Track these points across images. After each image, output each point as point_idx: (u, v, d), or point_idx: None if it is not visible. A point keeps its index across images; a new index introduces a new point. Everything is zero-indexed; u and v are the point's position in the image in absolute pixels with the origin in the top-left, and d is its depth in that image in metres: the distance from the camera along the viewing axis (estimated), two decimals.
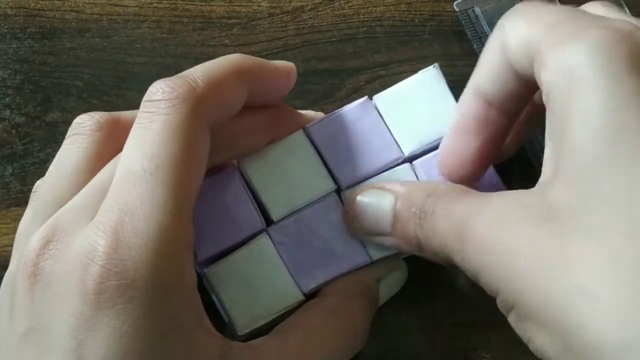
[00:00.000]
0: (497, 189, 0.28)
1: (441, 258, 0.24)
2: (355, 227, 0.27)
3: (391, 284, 0.29)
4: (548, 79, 0.22)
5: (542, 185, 0.22)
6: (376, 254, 0.27)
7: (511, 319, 0.22)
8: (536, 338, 0.21)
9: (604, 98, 0.20)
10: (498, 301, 0.22)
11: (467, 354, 0.30)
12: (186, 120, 0.23)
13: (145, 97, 0.24)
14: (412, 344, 0.30)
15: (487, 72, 0.25)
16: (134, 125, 0.24)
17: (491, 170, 0.28)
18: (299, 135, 0.28)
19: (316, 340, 0.26)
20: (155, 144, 0.23)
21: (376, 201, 0.26)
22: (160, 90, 0.23)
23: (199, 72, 0.24)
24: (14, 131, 0.33)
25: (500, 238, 0.22)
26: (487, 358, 0.30)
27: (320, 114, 0.31)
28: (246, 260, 0.27)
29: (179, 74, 0.24)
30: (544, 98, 0.22)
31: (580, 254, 0.20)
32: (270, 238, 0.27)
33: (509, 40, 0.24)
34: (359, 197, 0.27)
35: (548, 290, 0.20)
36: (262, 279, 0.27)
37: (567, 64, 0.21)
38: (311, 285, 0.27)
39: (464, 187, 0.25)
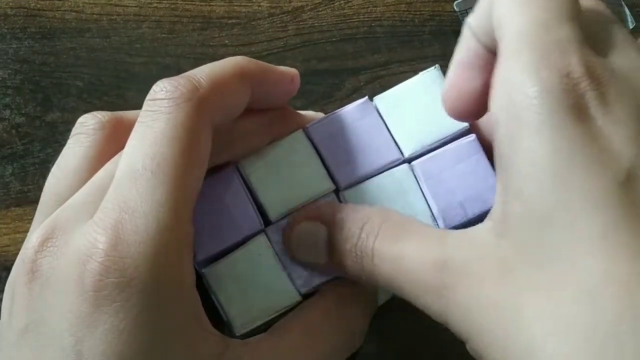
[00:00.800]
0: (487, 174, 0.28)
1: None
2: (293, 255, 0.27)
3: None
4: (496, 111, 0.22)
5: (495, 223, 0.22)
6: None
7: None
8: None
9: (548, 150, 0.20)
10: (467, 347, 0.23)
11: (467, 353, 0.30)
12: (189, 120, 0.23)
13: (148, 96, 0.24)
14: (411, 343, 0.30)
15: (477, 24, 0.25)
16: (137, 124, 0.24)
17: (484, 159, 0.28)
18: (299, 135, 0.28)
19: (314, 339, 0.26)
20: (157, 143, 0.23)
21: (310, 232, 0.26)
22: (164, 90, 0.23)
23: (202, 73, 0.24)
24: (14, 131, 0.33)
25: (462, 295, 0.22)
26: None
27: (320, 115, 0.31)
28: (244, 260, 0.27)
29: (183, 74, 0.24)
30: (492, 125, 0.22)
31: (534, 313, 0.20)
32: (268, 238, 0.27)
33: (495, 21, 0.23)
34: (296, 227, 0.26)
35: (506, 349, 0.20)
36: (260, 279, 0.27)
37: (515, 103, 0.21)
38: (308, 286, 0.27)
39: (398, 217, 0.25)
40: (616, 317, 0.19)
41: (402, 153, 0.28)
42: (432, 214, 0.27)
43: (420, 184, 0.27)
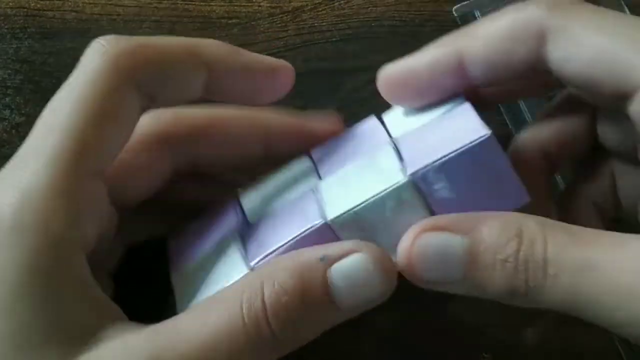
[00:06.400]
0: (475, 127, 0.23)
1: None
2: (415, 273, 0.22)
3: (351, 275, 0.21)
4: None
5: None
6: (333, 212, 0.23)
7: None
8: None
9: None
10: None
11: (467, 354, 0.30)
12: (97, 73, 0.23)
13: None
14: (411, 345, 0.31)
15: (490, 52, 0.24)
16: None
17: (470, 110, 0.24)
18: (303, 162, 0.26)
19: (211, 316, 0.21)
20: (61, 92, 0.23)
21: (442, 244, 0.22)
22: (93, 43, 0.23)
23: (144, 37, 0.24)
24: (14, 131, 0.33)
25: None
26: (487, 358, 0.30)
27: (330, 116, 0.28)
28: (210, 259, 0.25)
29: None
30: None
31: None
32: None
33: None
34: (420, 240, 0.22)
35: None
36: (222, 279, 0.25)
37: None
38: (258, 255, 0.24)
39: (557, 222, 0.22)
40: None
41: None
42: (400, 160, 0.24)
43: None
